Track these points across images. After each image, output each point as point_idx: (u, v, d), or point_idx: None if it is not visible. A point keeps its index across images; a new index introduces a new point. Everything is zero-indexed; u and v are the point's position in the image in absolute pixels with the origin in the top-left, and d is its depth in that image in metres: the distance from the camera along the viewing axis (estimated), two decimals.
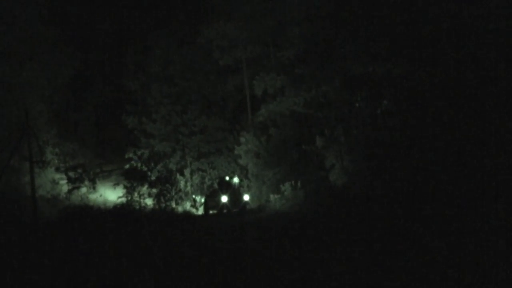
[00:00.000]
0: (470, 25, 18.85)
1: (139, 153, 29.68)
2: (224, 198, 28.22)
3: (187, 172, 35.21)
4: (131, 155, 33.77)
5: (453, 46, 19.16)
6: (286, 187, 26.67)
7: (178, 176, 33.86)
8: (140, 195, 25.99)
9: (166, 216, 24.74)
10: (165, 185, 27.63)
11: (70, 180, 28.97)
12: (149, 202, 26.38)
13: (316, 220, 18.74)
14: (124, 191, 26.39)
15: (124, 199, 25.55)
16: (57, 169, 30.72)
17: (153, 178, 28.26)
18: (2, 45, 26.55)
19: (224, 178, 31.92)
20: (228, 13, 33.99)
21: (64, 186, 29.51)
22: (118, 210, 24.16)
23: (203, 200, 29.72)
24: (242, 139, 33.23)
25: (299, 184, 26.12)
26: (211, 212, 28.80)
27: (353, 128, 25.17)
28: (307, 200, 24.09)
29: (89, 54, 41.15)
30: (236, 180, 31.25)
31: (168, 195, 27.65)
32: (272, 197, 27.69)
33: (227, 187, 29.33)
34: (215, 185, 31.66)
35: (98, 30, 44.50)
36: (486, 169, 16.10)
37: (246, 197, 28.84)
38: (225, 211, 28.12)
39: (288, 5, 30.60)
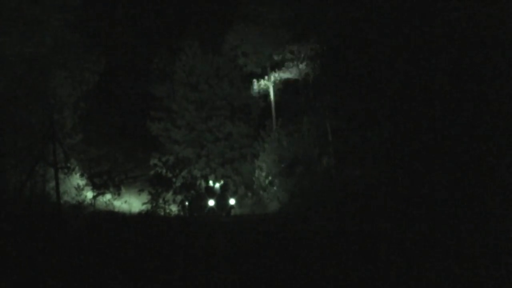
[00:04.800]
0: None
1: (163, 159, 29.63)
2: (211, 202, 28.59)
3: (211, 178, 35.10)
4: (155, 161, 33.72)
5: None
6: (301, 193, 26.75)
7: (202, 182, 33.75)
8: (165, 202, 25.84)
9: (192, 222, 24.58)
10: (189, 191, 27.53)
11: (95, 186, 28.92)
12: (173, 208, 26.23)
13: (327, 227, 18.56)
14: (149, 197, 26.29)
15: (148, 206, 25.41)
16: (82, 175, 30.80)
17: (177, 184, 28.10)
18: (29, 52, 26.72)
19: (209, 183, 32.17)
20: (253, 19, 33.99)
21: (89, 192, 29.52)
22: (143, 216, 24.01)
23: (186, 203, 29.72)
24: (267, 146, 33.17)
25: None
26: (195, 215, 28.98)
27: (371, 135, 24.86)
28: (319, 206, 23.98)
29: (114, 61, 41.31)
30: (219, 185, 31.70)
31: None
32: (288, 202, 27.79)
33: (213, 192, 29.74)
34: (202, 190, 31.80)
35: (123, 37, 44.75)
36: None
37: (232, 201, 29.33)
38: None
39: (312, 12, 30.54)
